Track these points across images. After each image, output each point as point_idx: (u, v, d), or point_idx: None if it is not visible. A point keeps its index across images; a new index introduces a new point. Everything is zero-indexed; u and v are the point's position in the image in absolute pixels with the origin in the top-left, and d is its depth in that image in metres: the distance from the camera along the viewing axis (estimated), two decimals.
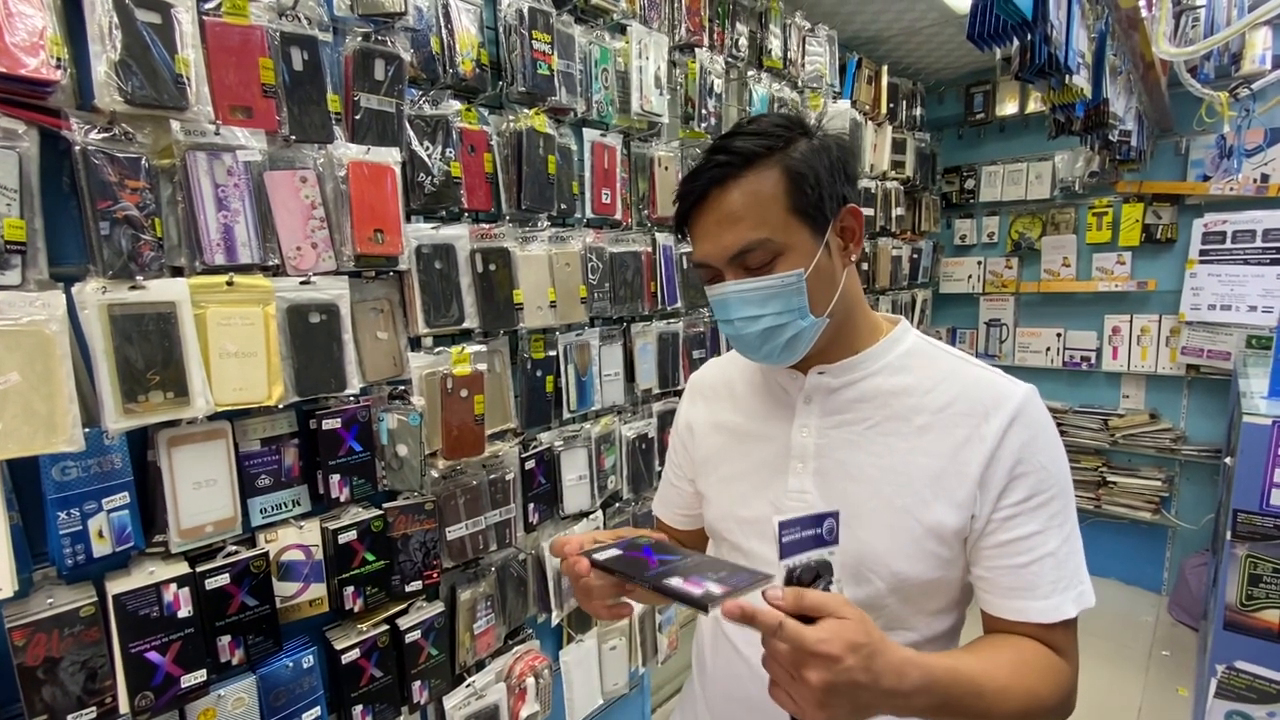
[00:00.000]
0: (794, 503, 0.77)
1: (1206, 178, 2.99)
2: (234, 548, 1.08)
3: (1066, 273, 3.39)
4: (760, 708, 0.74)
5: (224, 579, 1.05)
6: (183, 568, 1.03)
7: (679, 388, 1.98)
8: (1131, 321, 3.22)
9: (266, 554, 1.10)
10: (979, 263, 3.63)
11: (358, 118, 1.17)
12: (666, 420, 1.95)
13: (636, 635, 1.90)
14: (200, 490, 1.03)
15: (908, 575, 0.72)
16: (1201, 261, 2.92)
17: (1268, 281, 2.71)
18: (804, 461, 0.78)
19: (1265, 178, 2.84)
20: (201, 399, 0.98)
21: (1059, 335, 3.42)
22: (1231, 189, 2.89)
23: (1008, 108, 3.34)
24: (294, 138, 1.11)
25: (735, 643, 0.82)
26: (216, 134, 1.01)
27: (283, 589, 1.13)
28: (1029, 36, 1.18)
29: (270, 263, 1.09)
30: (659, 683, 2.26)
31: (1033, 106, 3.25)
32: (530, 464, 1.55)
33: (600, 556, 0.66)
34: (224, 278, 1.02)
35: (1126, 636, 2.92)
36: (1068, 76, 1.48)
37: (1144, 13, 1.85)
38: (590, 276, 1.65)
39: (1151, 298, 3.18)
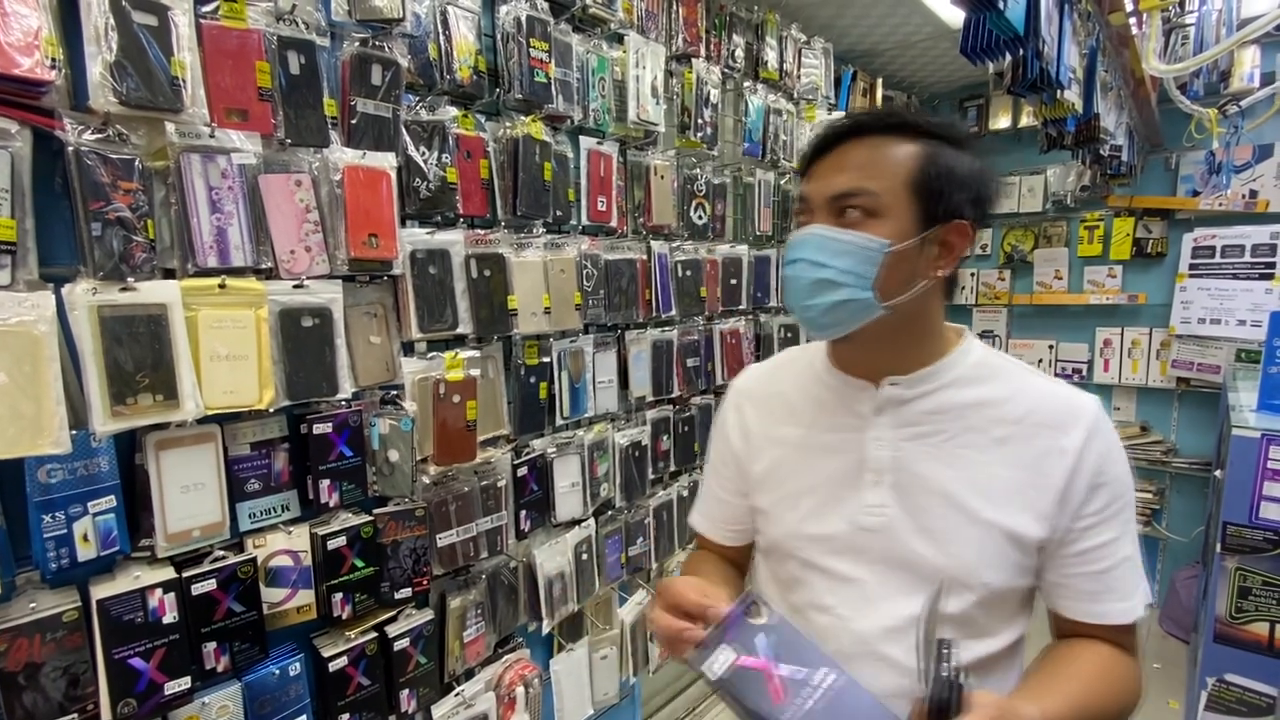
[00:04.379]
0: (872, 518, 0.75)
1: (1196, 193, 3.02)
2: (221, 553, 1.07)
3: (1058, 285, 3.41)
4: None
5: (210, 584, 1.04)
6: (169, 573, 1.01)
7: (673, 395, 1.98)
8: (1123, 334, 3.24)
9: (254, 559, 1.09)
10: (972, 274, 3.65)
11: (354, 122, 1.18)
12: (661, 428, 1.95)
13: (628, 644, 1.89)
14: (188, 494, 1.02)
15: (995, 586, 0.72)
16: (1191, 275, 2.94)
17: (1256, 296, 2.73)
18: (879, 475, 0.76)
19: (1254, 193, 2.87)
20: (191, 402, 0.98)
21: (1051, 347, 3.44)
22: (1220, 204, 2.93)
23: (1000, 122, 3.38)
24: (289, 141, 1.11)
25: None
26: (211, 136, 1.01)
27: (270, 595, 1.12)
28: (1021, 51, 1.19)
29: (263, 266, 1.08)
30: (650, 693, 2.24)
31: (1025, 120, 3.28)
32: (522, 471, 1.54)
33: (719, 670, 0.59)
34: (216, 280, 1.01)
35: None
36: (1059, 91, 1.49)
37: (1134, 30, 1.88)
38: (585, 283, 1.65)
39: (1142, 311, 3.20)
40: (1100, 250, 3.27)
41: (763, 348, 2.36)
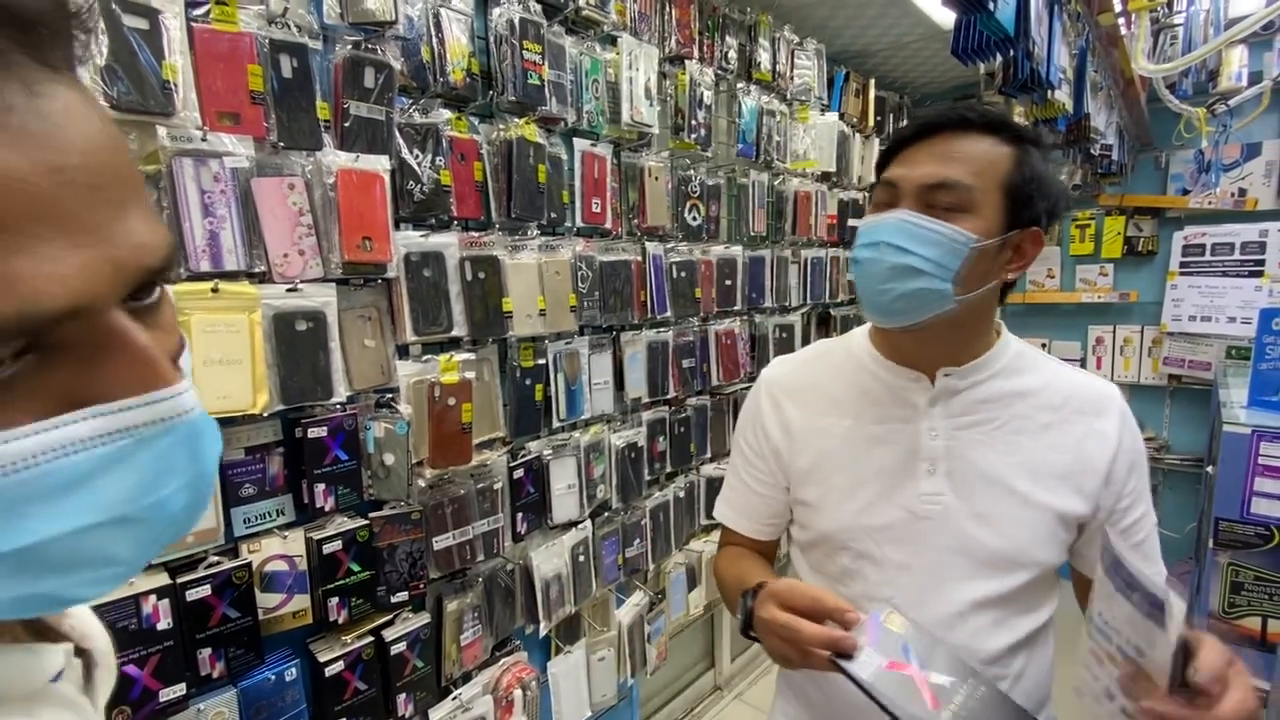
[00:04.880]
0: (930, 506, 0.78)
1: (1186, 191, 3.05)
2: (216, 558, 1.07)
3: (1051, 284, 3.43)
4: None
5: (205, 590, 1.03)
6: (163, 579, 1.01)
7: (669, 396, 1.99)
8: (1114, 332, 3.26)
9: (249, 564, 1.08)
10: None
11: (347, 125, 1.17)
12: (657, 429, 1.95)
13: (625, 646, 1.89)
14: None
15: (1046, 563, 0.77)
16: (1182, 273, 2.97)
17: (1246, 293, 2.76)
18: (934, 464, 0.78)
19: (1243, 192, 2.90)
20: None
21: (1044, 345, 3.46)
22: (1210, 202, 2.95)
23: None
24: (282, 144, 1.10)
25: None
26: (204, 140, 1.01)
27: (265, 600, 1.12)
28: (1011, 52, 1.20)
29: (257, 270, 1.08)
30: (648, 694, 2.24)
31: (1017, 120, 3.30)
32: (519, 473, 1.54)
33: (864, 675, 0.58)
34: (209, 284, 1.01)
35: None
36: (1050, 92, 1.50)
37: (1123, 30, 1.90)
38: (580, 285, 1.65)
39: (1134, 309, 3.23)
40: (1092, 249, 3.29)
41: (758, 348, 2.36)
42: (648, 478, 1.95)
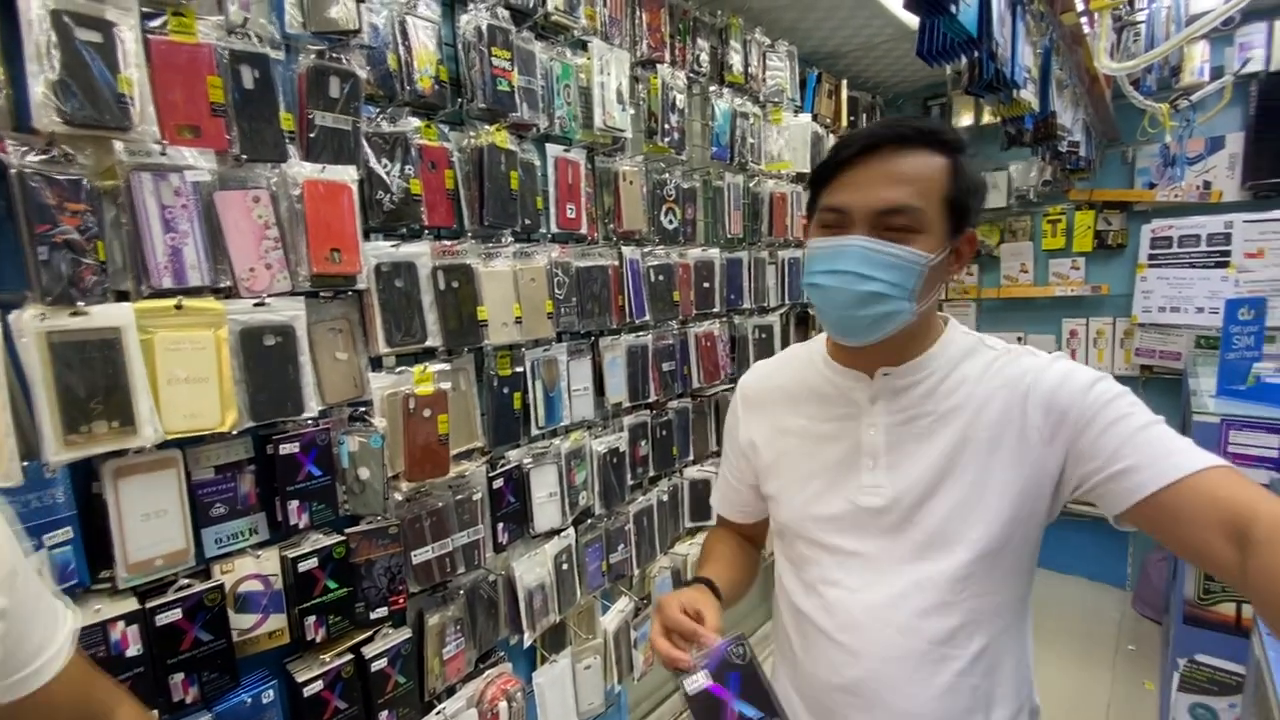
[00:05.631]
0: (871, 497, 0.82)
1: (1152, 185, 3.11)
2: (187, 581, 1.04)
3: (1025, 278, 3.49)
4: (860, 689, 0.82)
5: (176, 614, 1.01)
6: (131, 604, 0.98)
7: (650, 400, 1.98)
8: (1088, 324, 3.32)
9: (221, 586, 1.06)
10: None
11: (312, 136, 1.16)
12: (638, 434, 1.95)
13: (612, 653, 1.88)
14: (149, 522, 0.99)
15: (986, 541, 0.77)
16: (1151, 266, 3.03)
17: (1213, 284, 2.82)
18: (875, 457, 0.82)
19: (1207, 184, 2.97)
20: (149, 427, 0.95)
21: (1020, 339, 3.50)
22: (1176, 195, 3.02)
23: (963, 120, 3.44)
24: (245, 157, 1.08)
25: (829, 632, 0.85)
26: (163, 154, 0.98)
27: (240, 621, 1.09)
28: (975, 53, 1.22)
29: (222, 285, 1.06)
30: (636, 699, 2.23)
31: (987, 118, 3.35)
32: (499, 483, 1.53)
33: (693, 690, 0.72)
34: (172, 301, 0.99)
35: (1094, 632, 2.98)
36: (1015, 91, 1.53)
37: (1086, 29, 1.93)
38: (556, 291, 1.64)
39: (1105, 301, 3.29)
40: (1063, 243, 3.35)
41: (738, 350, 2.37)
42: (630, 482, 1.94)
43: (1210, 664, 1.74)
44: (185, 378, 0.99)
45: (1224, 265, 2.81)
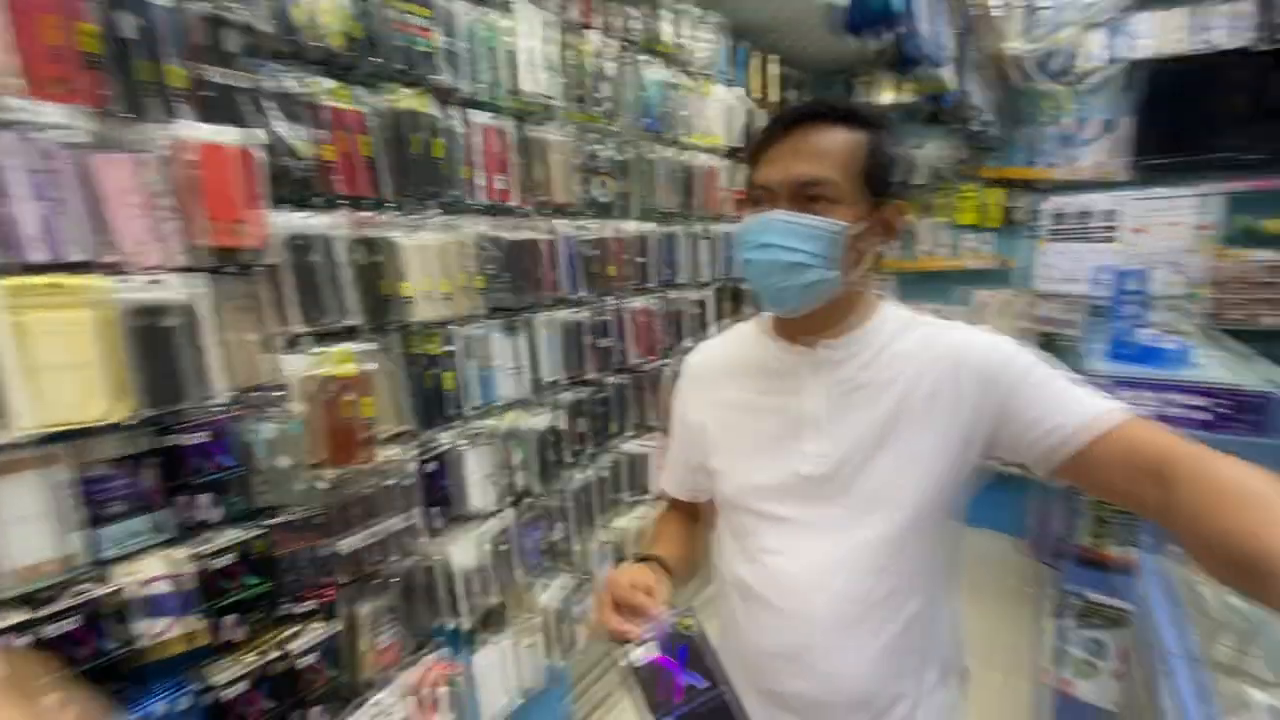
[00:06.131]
0: (811, 466, 0.84)
1: (1054, 164, 3.32)
2: (84, 586, 0.95)
3: (941, 252, 3.67)
4: (798, 654, 0.84)
5: (71, 623, 0.92)
6: (20, 615, 0.89)
7: (585, 376, 1.96)
8: (996, 296, 3.54)
9: (120, 590, 0.97)
10: None
11: (206, 94, 1.05)
12: (575, 410, 1.93)
13: (553, 629, 1.88)
14: (30, 525, 0.89)
15: (920, 503, 0.80)
16: (1050, 240, 3.24)
17: (1104, 257, 3.05)
18: (817, 427, 0.84)
19: (1099, 163, 3.19)
20: (23, 420, 0.85)
21: (936, 311, 3.69)
22: (1074, 174, 3.23)
23: (885, 97, 3.54)
24: (127, 116, 0.97)
25: (769, 599, 0.86)
26: (27, 111, 0.87)
27: (148, 626, 1.01)
28: (897, 30, 1.24)
29: (107, 260, 0.95)
30: (578, 673, 2.25)
31: (907, 97, 3.46)
32: (431, 466, 1.48)
33: (638, 661, 0.72)
34: (47, 279, 0.88)
35: (1001, 579, 3.25)
36: (933, 69, 1.57)
37: (996, 12, 2.02)
38: (486, 266, 1.58)
39: (1013, 274, 3.51)
40: (976, 219, 3.54)
41: (674, 325, 2.38)
42: (568, 460, 1.93)
43: (1097, 600, 1.93)
44: (63, 364, 0.89)
45: (1111, 239, 3.05)
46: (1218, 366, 1.93)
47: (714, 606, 0.99)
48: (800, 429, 0.86)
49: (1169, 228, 2.94)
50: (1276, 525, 0.48)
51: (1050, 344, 3.39)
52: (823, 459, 0.84)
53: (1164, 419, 1.83)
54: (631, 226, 2.11)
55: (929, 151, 3.56)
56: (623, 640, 0.75)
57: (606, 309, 2.03)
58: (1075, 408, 0.75)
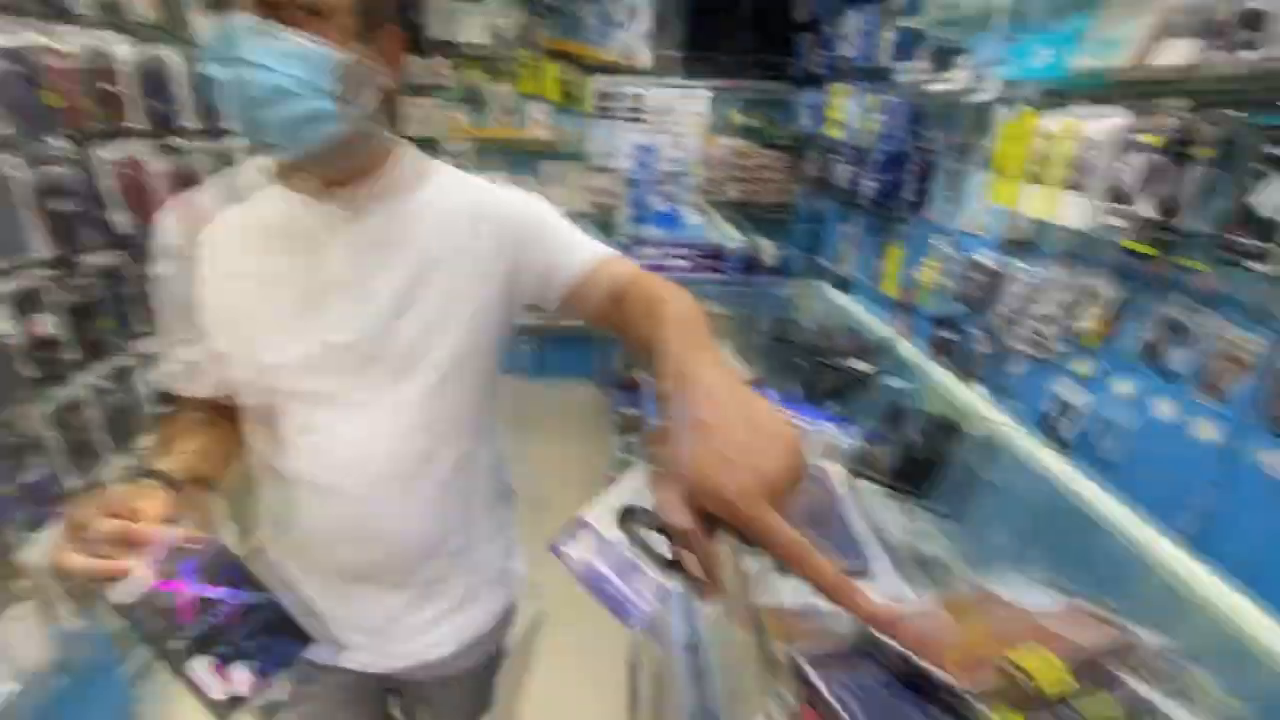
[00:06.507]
0: (339, 333, 0.78)
1: (603, 45, 3.65)
2: None
3: (508, 121, 3.77)
4: (351, 526, 0.83)
5: None
6: None
7: (45, 257, 1.41)
8: (559, 168, 3.87)
9: None
10: (439, 107, 3.67)
11: None
12: (33, 305, 1.38)
13: (55, 590, 1.45)
14: None
15: (450, 355, 0.81)
16: (597, 117, 3.64)
17: (635, 136, 3.59)
18: (341, 291, 0.78)
19: (633, 50, 3.65)
20: None
21: (510, 181, 3.86)
22: (621, 59, 3.62)
23: None
24: None
25: (312, 479, 0.82)
26: None
27: None
28: None
29: None
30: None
31: None
32: None
33: (131, 597, 0.60)
34: None
35: (581, 414, 3.88)
36: None
37: None
38: None
39: (572, 148, 3.86)
40: (539, 89, 3.70)
41: (187, 183, 1.86)
42: (36, 375, 1.41)
43: (629, 413, 2.48)
44: None
45: (640, 121, 3.59)
46: (698, 229, 2.54)
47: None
48: (325, 295, 0.78)
49: (681, 115, 3.60)
50: (666, 326, 0.65)
51: (607, 212, 3.93)
52: (350, 325, 0.78)
53: (660, 267, 2.34)
54: (85, 38, 1.50)
55: (491, 12, 3.50)
56: (106, 578, 0.60)
57: (54, 155, 1.44)
58: (576, 251, 0.86)
